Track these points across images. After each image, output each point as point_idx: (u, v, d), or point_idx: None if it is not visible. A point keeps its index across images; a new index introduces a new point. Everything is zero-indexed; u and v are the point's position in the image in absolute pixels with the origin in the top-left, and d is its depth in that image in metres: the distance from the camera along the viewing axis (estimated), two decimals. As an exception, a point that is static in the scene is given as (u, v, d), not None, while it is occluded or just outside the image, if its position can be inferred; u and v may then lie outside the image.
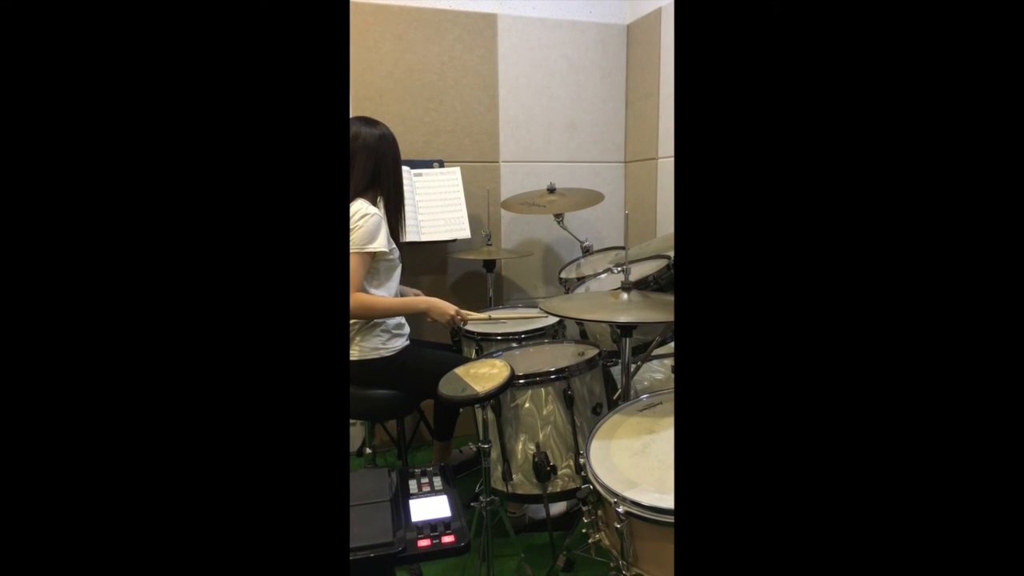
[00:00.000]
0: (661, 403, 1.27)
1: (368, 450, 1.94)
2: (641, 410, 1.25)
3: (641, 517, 0.93)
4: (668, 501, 0.92)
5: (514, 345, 1.90)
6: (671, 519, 0.90)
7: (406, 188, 2.26)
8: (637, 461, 1.06)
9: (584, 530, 1.06)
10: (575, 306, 1.34)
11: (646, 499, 0.93)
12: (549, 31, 2.50)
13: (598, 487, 1.00)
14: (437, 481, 1.17)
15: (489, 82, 2.46)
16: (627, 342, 1.37)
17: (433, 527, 1.02)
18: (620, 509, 0.94)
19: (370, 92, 2.31)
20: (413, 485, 1.16)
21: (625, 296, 1.36)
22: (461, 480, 2.18)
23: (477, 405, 1.41)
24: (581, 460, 1.14)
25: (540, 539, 1.78)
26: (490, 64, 2.45)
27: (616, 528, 0.95)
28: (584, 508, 1.04)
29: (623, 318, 1.22)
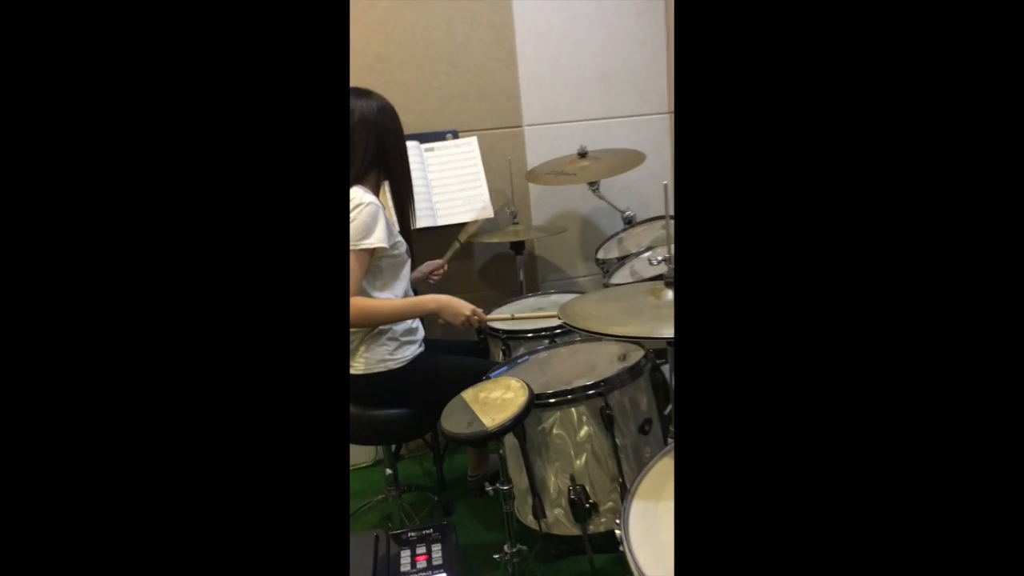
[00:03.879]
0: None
1: (389, 471, 1.72)
2: (698, 451, 0.95)
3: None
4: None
5: (544, 344, 1.62)
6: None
7: (416, 167, 1.99)
8: (694, 539, 0.77)
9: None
10: (600, 312, 1.04)
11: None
12: (570, -35, 2.13)
13: (639, 583, 0.72)
14: (436, 551, 0.92)
15: (504, 34, 2.12)
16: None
17: (424, 630, 0.78)
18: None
19: (368, 60, 2.02)
20: (405, 558, 0.92)
21: (670, 294, 1.04)
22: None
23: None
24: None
25: (579, 566, 1.50)
26: (504, 12, 2.10)
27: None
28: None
29: (667, 330, 0.91)
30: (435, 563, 0.89)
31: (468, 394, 1.15)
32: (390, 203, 1.59)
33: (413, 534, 0.95)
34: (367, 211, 1.38)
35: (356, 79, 2.01)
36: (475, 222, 1.96)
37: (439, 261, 1.85)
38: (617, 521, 0.76)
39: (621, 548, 0.77)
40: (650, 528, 0.80)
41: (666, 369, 1.46)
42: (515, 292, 2.15)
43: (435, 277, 1.84)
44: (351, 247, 1.36)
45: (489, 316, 1.60)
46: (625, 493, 1.22)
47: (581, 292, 2.01)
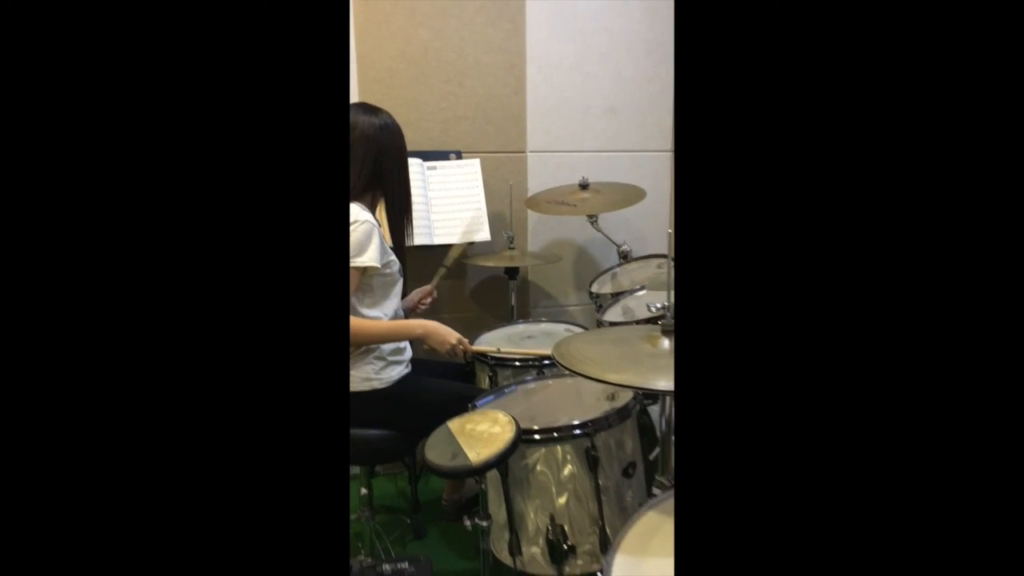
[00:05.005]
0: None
1: (364, 491, 1.68)
2: (684, 506, 0.93)
3: None
4: None
5: (532, 376, 1.60)
6: None
7: (417, 184, 1.98)
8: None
9: None
10: (595, 355, 1.03)
11: None
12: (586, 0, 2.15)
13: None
14: (411, 588, 0.90)
15: (516, 61, 2.13)
16: (668, 402, 1.05)
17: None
18: None
19: (379, 74, 2.02)
20: (379, 593, 0.89)
21: (666, 343, 1.04)
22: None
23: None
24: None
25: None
26: (517, 40, 2.12)
27: None
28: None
29: (662, 382, 0.90)
30: (409, 601, 0.87)
31: (454, 424, 1.13)
32: (385, 220, 1.58)
33: (388, 567, 0.93)
34: (361, 229, 1.37)
35: (366, 92, 2.01)
36: (459, 246, 1.95)
37: (427, 288, 1.83)
38: (593, 552, 0.73)
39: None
40: (633, 585, 0.79)
41: (654, 412, 1.46)
42: (505, 317, 2.13)
43: (423, 305, 1.82)
44: None
45: (475, 346, 1.58)
46: (605, 537, 1.20)
47: (571, 321, 2.00)
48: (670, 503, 0.95)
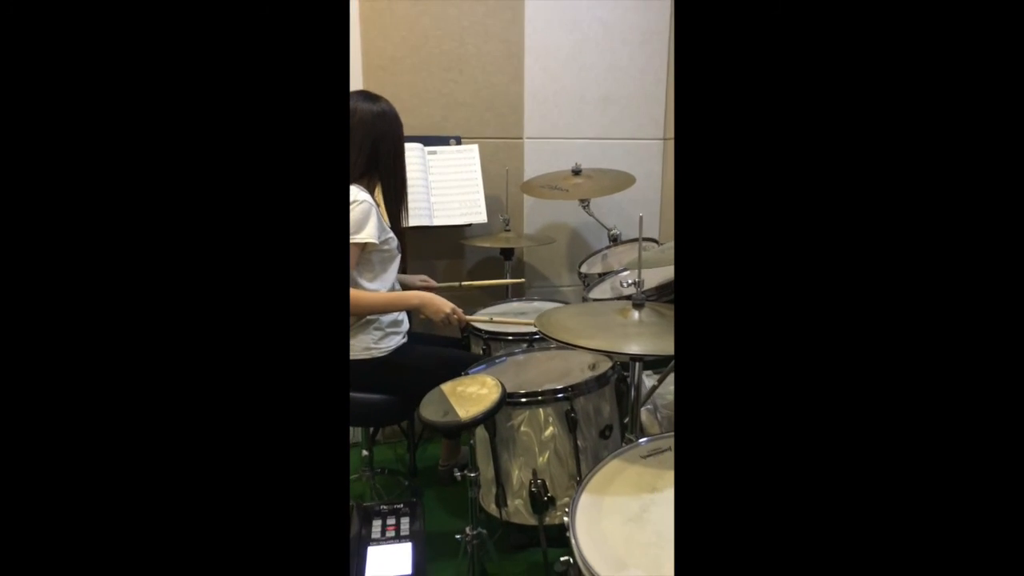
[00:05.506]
0: (669, 448, 1.07)
1: (365, 452, 1.82)
2: (645, 456, 1.06)
3: (626, 612, 0.75)
4: (661, 595, 0.74)
5: (523, 347, 1.72)
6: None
7: (418, 167, 2.09)
8: (631, 531, 0.88)
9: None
10: (573, 324, 1.15)
11: (633, 590, 0.75)
12: (582, -9, 2.24)
13: (580, 564, 0.82)
14: (405, 524, 1.03)
15: (514, 50, 2.22)
16: (637, 368, 1.17)
17: (387, 588, 0.88)
18: (601, 597, 0.77)
19: (382, 61, 2.11)
20: (377, 527, 1.02)
21: (636, 315, 1.15)
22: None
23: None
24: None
25: (534, 556, 1.60)
26: (516, 29, 2.21)
27: (597, 616, 0.78)
28: (563, 583, 0.87)
29: (630, 346, 1.02)
30: (403, 534, 1.00)
31: (447, 387, 1.25)
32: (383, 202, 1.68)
33: (385, 507, 1.06)
34: (360, 208, 1.47)
35: (370, 79, 2.10)
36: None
37: (433, 283, 1.92)
38: (566, 502, 0.86)
39: (567, 533, 0.88)
40: (592, 518, 0.91)
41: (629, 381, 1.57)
42: (500, 295, 2.25)
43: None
44: None
45: (469, 316, 1.69)
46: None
47: (563, 302, 2.11)
48: (633, 452, 1.07)
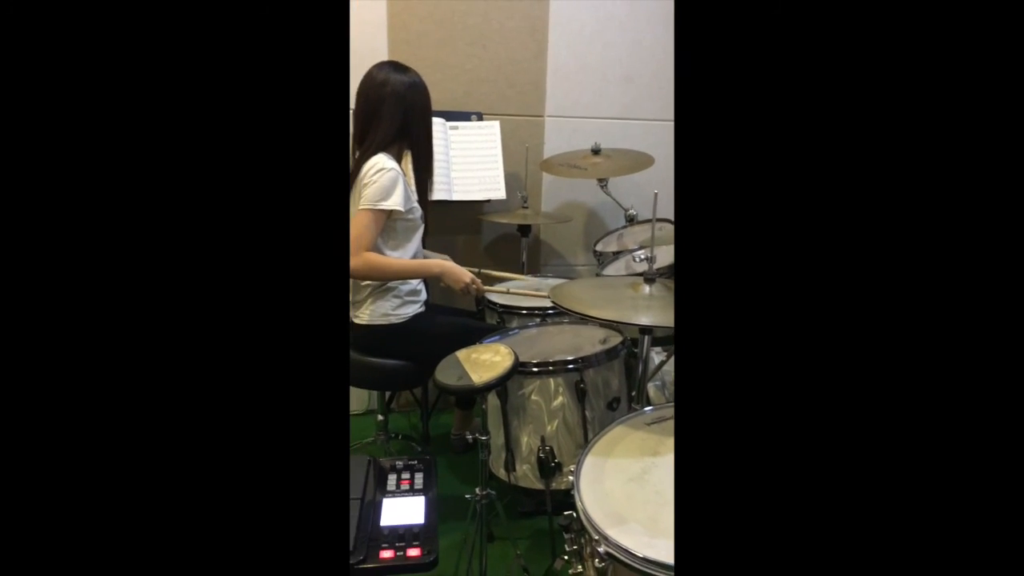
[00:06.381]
0: (672, 418, 1.11)
1: (380, 417, 1.88)
2: (649, 424, 1.10)
3: (624, 563, 0.80)
4: (657, 548, 0.79)
5: (536, 322, 1.76)
6: (658, 573, 0.76)
7: (439, 142, 2.12)
8: (632, 490, 0.92)
9: (566, 557, 0.94)
10: (586, 296, 1.19)
11: (632, 543, 0.80)
12: (609, -32, 2.23)
13: (582, 518, 0.87)
14: (419, 479, 1.08)
15: (538, 26, 2.23)
16: (646, 341, 1.21)
17: (401, 536, 0.93)
18: (601, 549, 0.81)
19: (408, 35, 2.14)
20: (391, 480, 1.08)
21: (647, 289, 1.19)
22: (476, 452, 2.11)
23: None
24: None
25: (540, 523, 1.67)
26: (541, 5, 2.22)
27: (596, 567, 0.83)
28: (567, 536, 0.92)
29: (641, 318, 1.06)
30: (416, 487, 1.05)
31: (461, 353, 1.30)
32: (411, 171, 1.72)
33: (400, 462, 1.11)
34: (388, 176, 1.51)
35: (395, 52, 2.13)
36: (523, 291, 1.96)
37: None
38: (571, 468, 0.91)
39: (572, 491, 0.93)
40: (596, 477, 0.96)
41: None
42: (516, 271, 2.29)
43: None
44: (369, 206, 1.49)
45: (487, 287, 1.74)
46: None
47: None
48: (638, 419, 1.12)
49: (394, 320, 1.64)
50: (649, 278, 1.20)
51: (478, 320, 1.94)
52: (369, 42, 2.09)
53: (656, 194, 1.17)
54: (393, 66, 1.61)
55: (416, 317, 1.68)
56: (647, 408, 1.16)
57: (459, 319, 1.79)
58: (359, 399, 2.36)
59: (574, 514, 0.90)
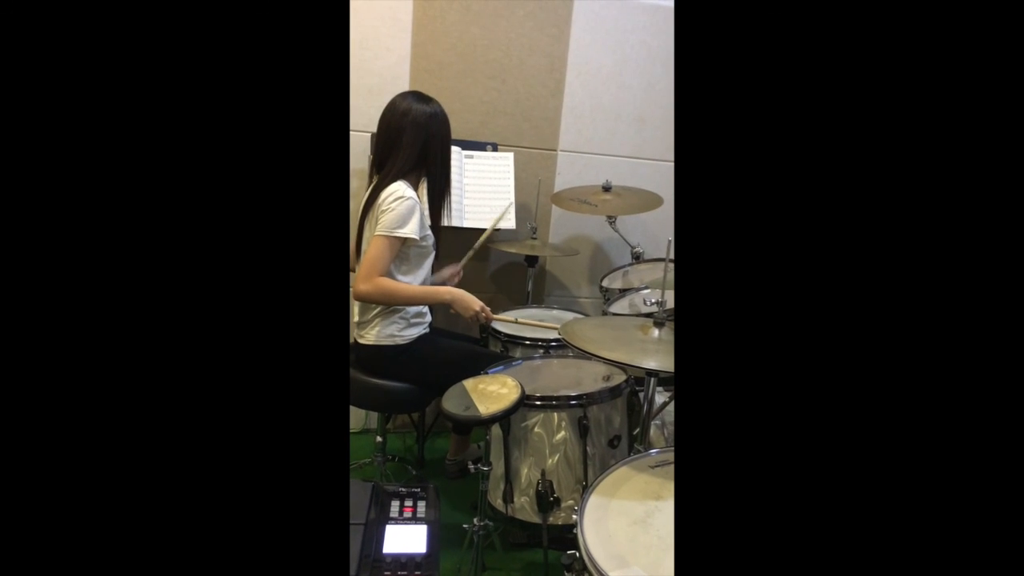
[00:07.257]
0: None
1: (379, 438, 1.89)
2: (653, 467, 1.12)
3: (625, 606, 0.81)
4: (659, 593, 0.80)
5: (539, 353, 1.79)
6: (658, 618, 0.78)
7: (455, 170, 2.16)
8: (635, 533, 0.94)
9: (566, 596, 0.96)
10: (595, 335, 1.21)
11: (634, 586, 0.81)
12: (629, 14, 2.30)
13: (585, 558, 0.89)
14: (422, 507, 1.09)
15: (557, 64, 2.30)
16: (652, 383, 1.23)
17: (403, 564, 0.94)
18: (603, 590, 0.83)
19: (430, 65, 2.19)
20: (395, 507, 1.09)
21: (656, 333, 1.21)
22: (471, 479, 2.10)
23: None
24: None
25: (533, 556, 1.67)
26: (560, 45, 2.28)
27: (597, 608, 0.84)
28: (567, 575, 0.93)
29: (649, 362, 1.08)
30: (419, 516, 1.06)
31: (469, 383, 1.32)
32: (426, 198, 1.76)
33: (403, 489, 1.12)
34: (406, 204, 1.55)
35: (417, 81, 2.19)
36: (489, 231, 2.10)
37: (456, 267, 1.99)
38: (575, 508, 0.92)
39: (575, 531, 0.94)
40: (599, 518, 0.97)
41: (642, 395, 1.63)
42: (521, 300, 2.32)
43: (452, 283, 2.00)
44: (386, 233, 1.53)
45: (496, 316, 1.76)
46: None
47: (581, 312, 2.17)
48: (642, 461, 1.13)
49: (399, 341, 1.66)
50: (659, 321, 1.23)
51: (482, 347, 1.96)
52: (392, 69, 2.15)
53: (670, 241, 1.20)
54: (416, 96, 1.65)
55: (420, 339, 1.70)
56: (652, 451, 1.17)
57: (463, 344, 1.81)
58: (356, 417, 2.36)
59: (576, 554, 0.91)
